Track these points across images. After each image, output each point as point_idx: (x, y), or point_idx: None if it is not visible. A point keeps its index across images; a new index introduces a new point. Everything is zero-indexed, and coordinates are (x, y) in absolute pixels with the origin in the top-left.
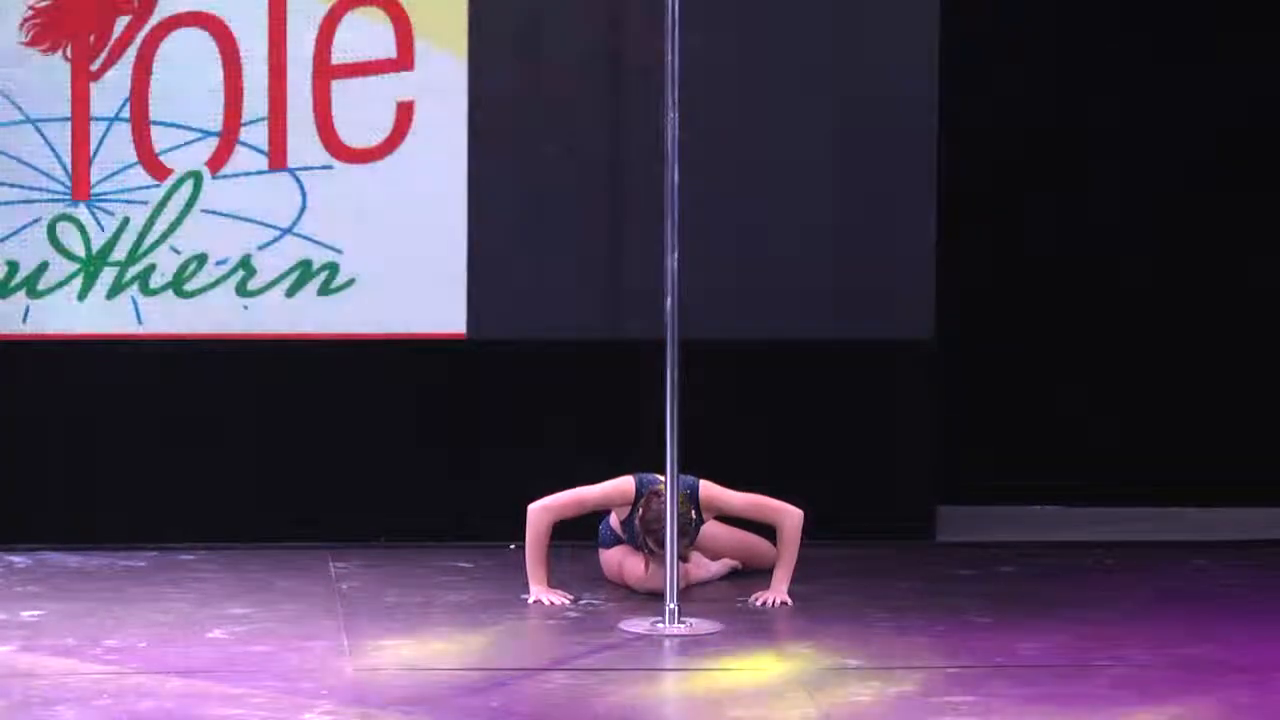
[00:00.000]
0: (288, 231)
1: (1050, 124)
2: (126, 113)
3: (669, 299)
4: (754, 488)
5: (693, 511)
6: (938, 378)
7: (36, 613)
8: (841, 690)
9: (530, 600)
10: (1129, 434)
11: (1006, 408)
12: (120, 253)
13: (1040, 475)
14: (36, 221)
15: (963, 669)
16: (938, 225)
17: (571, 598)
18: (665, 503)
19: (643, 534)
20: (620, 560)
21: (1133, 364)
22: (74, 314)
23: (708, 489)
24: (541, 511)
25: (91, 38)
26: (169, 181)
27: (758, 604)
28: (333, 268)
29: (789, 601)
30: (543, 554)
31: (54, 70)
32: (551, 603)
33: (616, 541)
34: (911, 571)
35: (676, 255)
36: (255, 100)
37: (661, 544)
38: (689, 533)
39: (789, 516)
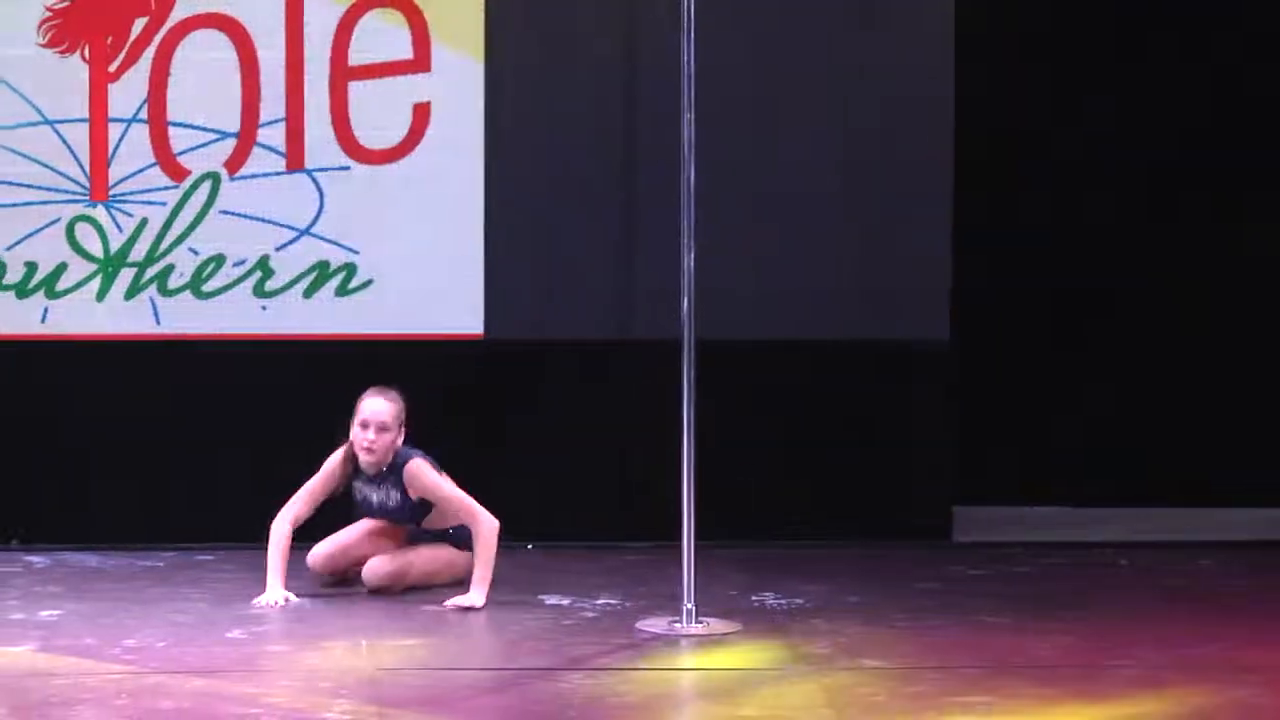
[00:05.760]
0: (305, 232)
1: (1072, 122)
2: (144, 114)
3: (685, 299)
4: (771, 489)
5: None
6: (955, 379)
7: (55, 612)
8: (858, 690)
9: (260, 601)
10: (1144, 436)
11: (1023, 409)
12: (138, 253)
13: (1056, 477)
14: (55, 222)
15: (978, 669)
16: (955, 225)
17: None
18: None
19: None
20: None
21: (1149, 366)
22: (92, 314)
23: (418, 469)
24: (278, 521)
25: (109, 39)
26: (187, 182)
27: (450, 606)
28: (350, 268)
29: (479, 607)
30: (280, 559)
31: (72, 71)
32: (275, 603)
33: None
34: (928, 572)
35: (693, 256)
36: (273, 101)
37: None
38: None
39: (487, 523)
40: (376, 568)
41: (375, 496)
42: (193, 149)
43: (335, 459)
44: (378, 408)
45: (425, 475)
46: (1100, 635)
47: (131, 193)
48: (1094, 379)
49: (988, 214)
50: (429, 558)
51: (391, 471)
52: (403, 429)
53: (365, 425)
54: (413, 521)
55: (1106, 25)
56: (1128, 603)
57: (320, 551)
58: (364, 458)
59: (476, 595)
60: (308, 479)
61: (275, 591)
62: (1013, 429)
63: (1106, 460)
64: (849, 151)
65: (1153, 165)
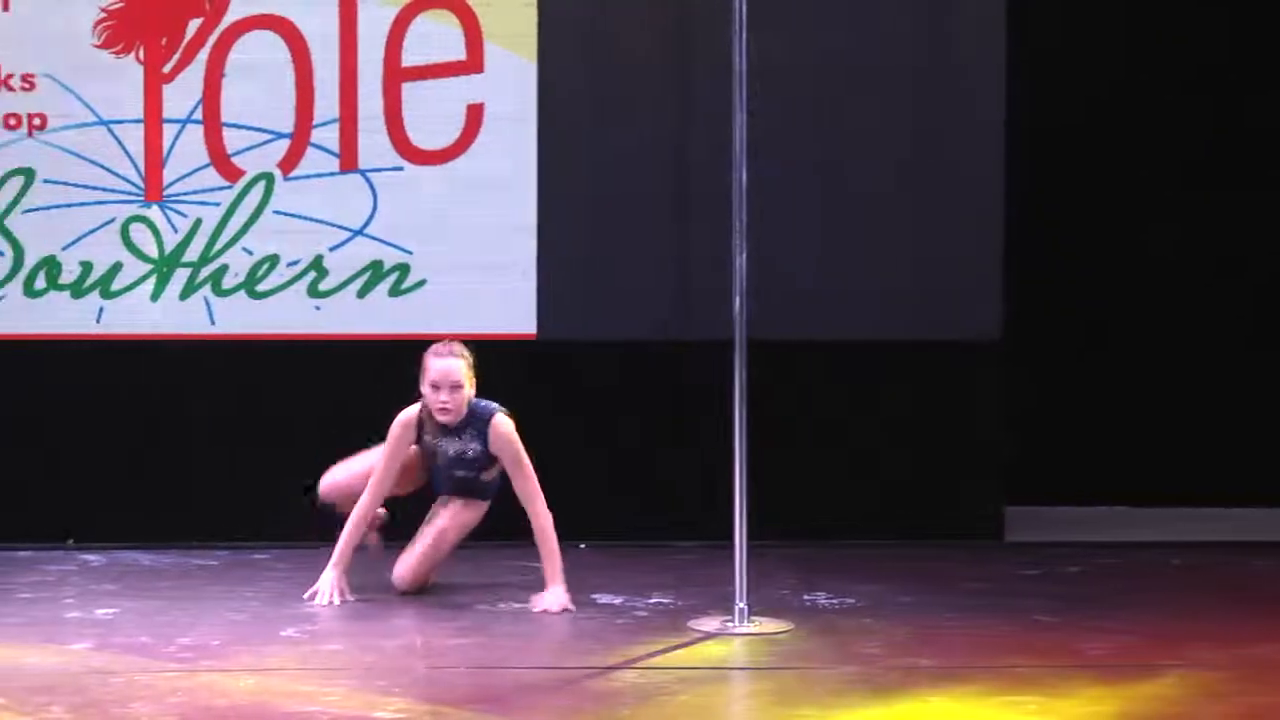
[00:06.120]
0: (359, 233)
1: (1122, 122)
2: (199, 114)
3: (737, 299)
4: (823, 489)
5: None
6: (1006, 379)
7: (111, 611)
8: (909, 690)
9: (317, 594)
10: (1197, 436)
11: (1074, 409)
12: (193, 253)
13: (1107, 476)
14: (110, 223)
15: (1029, 668)
16: (1007, 225)
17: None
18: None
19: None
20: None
21: (1202, 366)
22: (147, 314)
23: (508, 427)
24: (368, 501)
25: (164, 40)
26: (241, 183)
27: (538, 610)
28: (403, 269)
29: (571, 606)
30: (350, 545)
31: (127, 72)
32: (332, 601)
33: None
34: (979, 571)
35: (745, 256)
36: (326, 102)
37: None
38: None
39: (547, 514)
40: (406, 576)
41: (452, 448)
42: (247, 149)
43: (399, 427)
44: (449, 366)
45: (514, 436)
46: (1152, 635)
47: (186, 193)
48: (1146, 379)
49: (1040, 213)
50: (451, 541)
51: (473, 423)
52: (473, 381)
53: (437, 386)
54: (478, 475)
55: (1155, 25)
56: (1179, 602)
57: (402, 570)
58: (443, 418)
59: (561, 593)
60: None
61: (329, 584)
62: (1064, 429)
63: (1158, 460)
64: (901, 151)
65: (1204, 161)
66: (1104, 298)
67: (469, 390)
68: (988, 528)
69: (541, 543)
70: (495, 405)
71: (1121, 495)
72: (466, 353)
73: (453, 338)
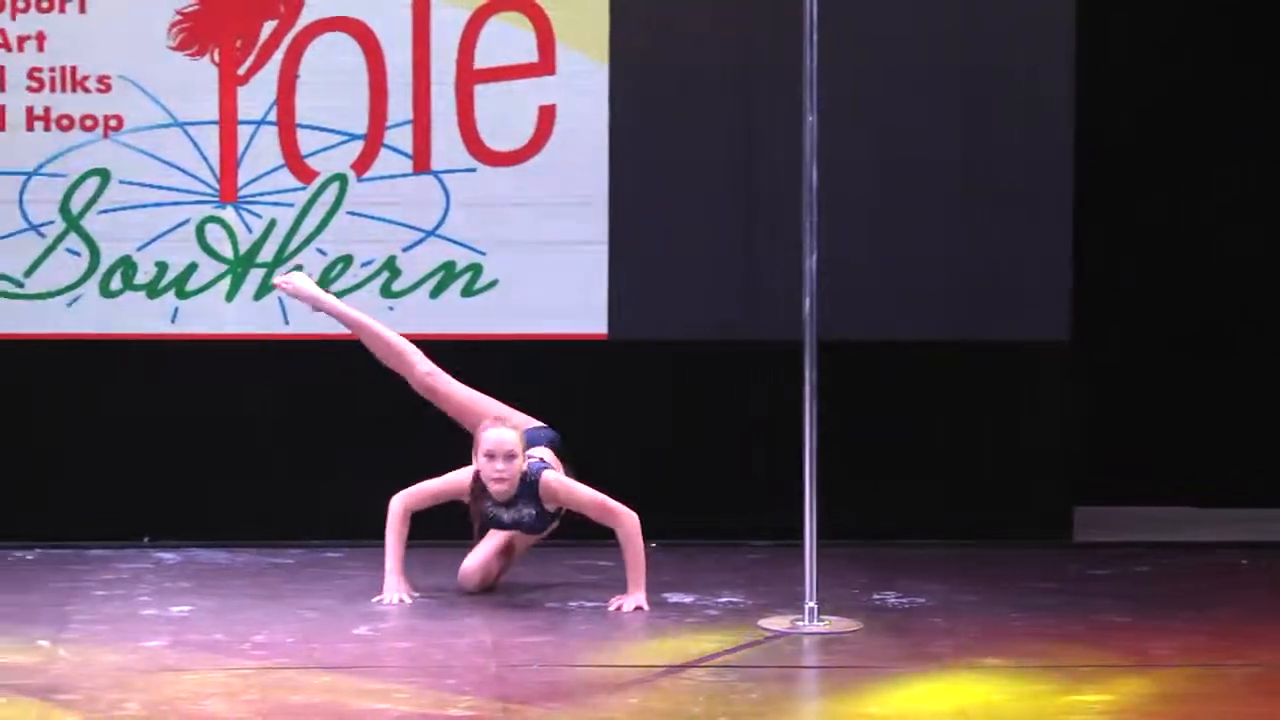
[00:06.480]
0: (432, 233)
1: (1191, 118)
2: (273, 116)
3: (807, 299)
4: (892, 488)
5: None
6: (1075, 378)
7: (185, 609)
8: (978, 689)
9: (383, 599)
10: (1267, 435)
11: (1144, 409)
12: (267, 254)
13: (1177, 476)
14: (185, 223)
15: (1098, 668)
16: (1077, 224)
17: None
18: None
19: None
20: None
21: (1270, 366)
22: (222, 314)
23: (554, 481)
24: (396, 505)
25: (238, 42)
26: (315, 184)
27: (613, 609)
28: (476, 269)
29: (645, 607)
30: (398, 549)
31: (202, 74)
32: (400, 600)
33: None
34: (1048, 571)
35: (815, 257)
36: (399, 104)
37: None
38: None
39: (628, 519)
40: (473, 577)
41: (507, 516)
42: (320, 151)
43: (465, 477)
44: (503, 437)
45: (561, 486)
46: (1221, 635)
47: (260, 194)
48: (1216, 378)
49: (1109, 211)
50: (518, 548)
51: (523, 492)
52: (526, 452)
53: (492, 456)
54: (544, 529)
55: (1225, 24)
56: (1249, 603)
57: (469, 567)
58: (496, 488)
59: (639, 596)
60: (433, 477)
61: (394, 588)
62: (1133, 429)
63: (1228, 460)
64: (970, 151)
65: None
66: (1174, 297)
67: (521, 462)
68: (1057, 527)
69: (625, 548)
70: (537, 462)
71: (1191, 495)
72: (518, 425)
73: (526, 337)
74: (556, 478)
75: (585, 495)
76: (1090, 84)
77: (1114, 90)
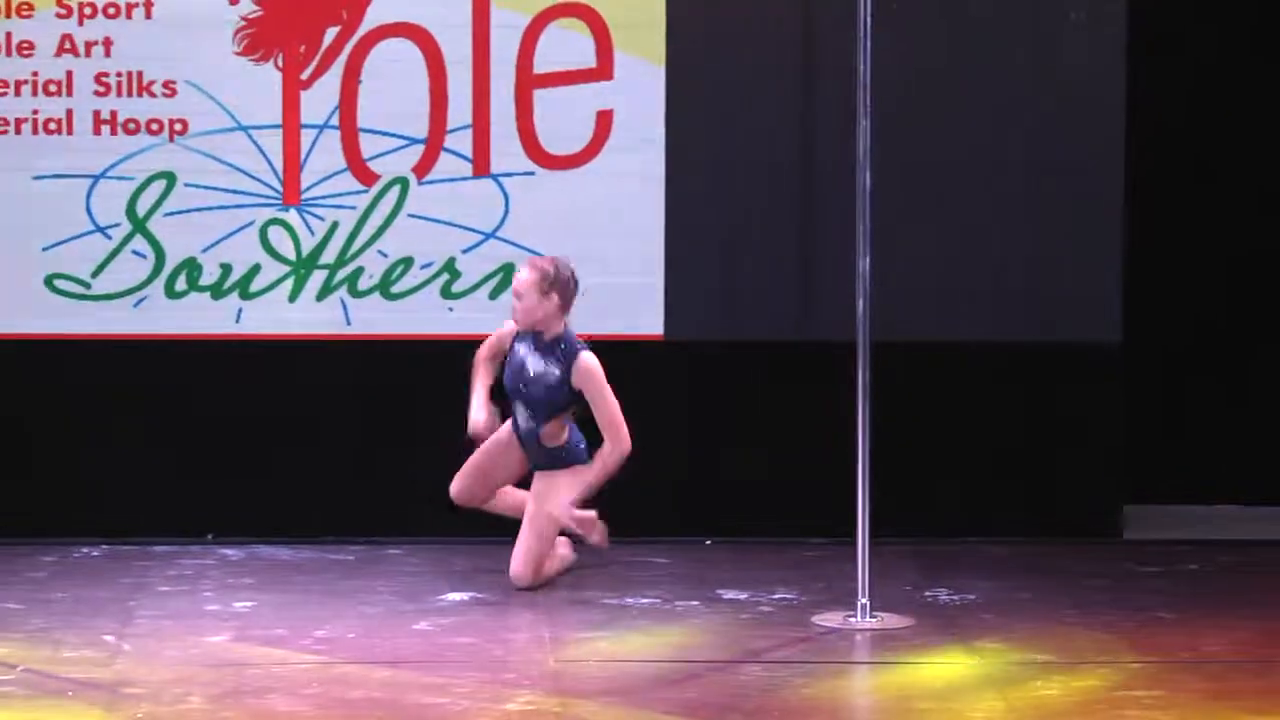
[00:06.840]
0: (491, 235)
1: (1247, 121)
2: (335, 120)
3: (861, 301)
4: (944, 487)
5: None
6: (1126, 379)
7: (249, 604)
8: (1029, 685)
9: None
10: None
11: (1194, 408)
12: (329, 256)
13: (1227, 475)
14: (249, 225)
15: (1148, 665)
16: (1129, 225)
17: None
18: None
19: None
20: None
21: None
22: (285, 315)
23: (595, 366)
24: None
25: (301, 48)
26: (377, 187)
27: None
28: None
29: (556, 514)
30: (483, 382)
31: (266, 79)
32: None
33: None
34: (1099, 568)
35: (869, 259)
36: (459, 108)
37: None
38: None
39: (620, 443)
40: (522, 572)
41: (532, 364)
42: (382, 154)
43: (500, 328)
44: (519, 278)
45: (593, 372)
46: (1272, 632)
47: (323, 197)
48: (1265, 378)
49: (1160, 214)
50: (549, 525)
51: (561, 350)
52: (554, 296)
53: (516, 295)
54: (547, 408)
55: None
56: None
57: (460, 483)
58: (512, 317)
59: (565, 500)
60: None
61: (478, 415)
62: (1184, 428)
63: (1277, 458)
64: (1022, 153)
65: None
66: (1225, 298)
67: (537, 304)
68: (1108, 525)
69: (595, 461)
70: (585, 344)
71: (1241, 494)
72: (546, 267)
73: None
74: (594, 362)
75: (605, 398)
76: (1142, 82)
77: (1167, 88)
